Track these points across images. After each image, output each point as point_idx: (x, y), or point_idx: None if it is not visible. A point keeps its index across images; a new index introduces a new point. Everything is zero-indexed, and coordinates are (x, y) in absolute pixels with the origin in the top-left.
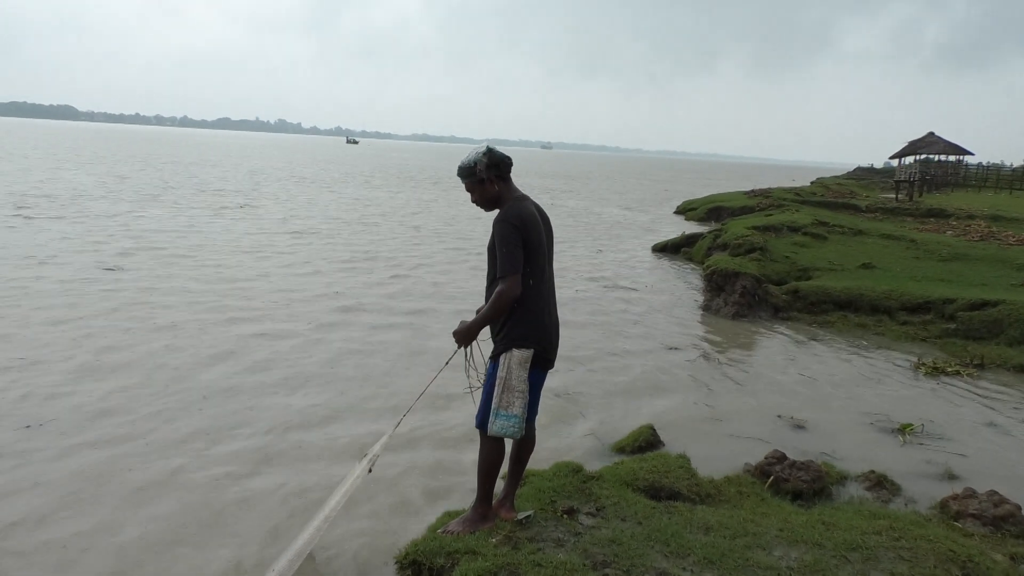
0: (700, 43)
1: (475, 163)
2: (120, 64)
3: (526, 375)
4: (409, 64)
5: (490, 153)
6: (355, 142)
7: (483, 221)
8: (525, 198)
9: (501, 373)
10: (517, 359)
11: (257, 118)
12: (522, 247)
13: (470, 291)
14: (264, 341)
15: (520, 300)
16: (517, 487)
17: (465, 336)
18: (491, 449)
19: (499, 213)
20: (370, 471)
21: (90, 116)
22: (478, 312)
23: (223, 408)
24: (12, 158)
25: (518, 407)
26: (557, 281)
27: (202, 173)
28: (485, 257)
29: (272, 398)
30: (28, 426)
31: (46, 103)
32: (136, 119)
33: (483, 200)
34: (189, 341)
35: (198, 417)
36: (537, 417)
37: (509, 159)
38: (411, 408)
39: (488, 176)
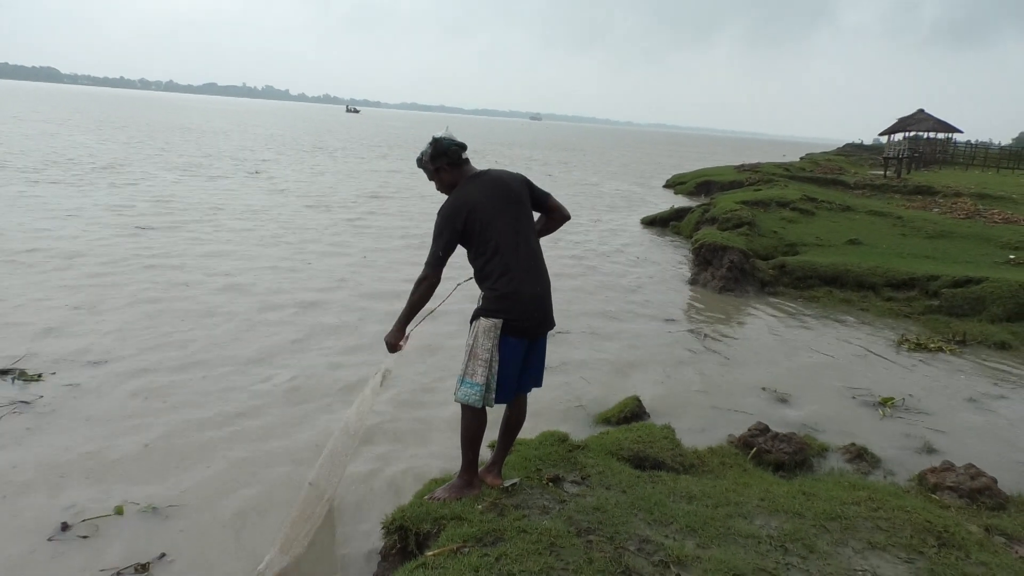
0: (698, 15)
1: (423, 155)
2: (104, 26)
3: (491, 344)
4: (402, 32)
5: (435, 143)
6: (356, 111)
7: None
8: (476, 177)
9: (468, 341)
10: (483, 328)
11: (244, 84)
12: (452, 238)
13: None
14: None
15: (484, 272)
16: (505, 455)
17: (392, 336)
18: (471, 417)
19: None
20: (381, 384)
21: (73, 79)
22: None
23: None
24: (23, 122)
25: (480, 376)
26: (548, 252)
27: (222, 141)
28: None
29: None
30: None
31: (29, 64)
32: (120, 83)
33: (443, 188)
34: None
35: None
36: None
37: (458, 146)
38: (422, 320)
39: (438, 165)
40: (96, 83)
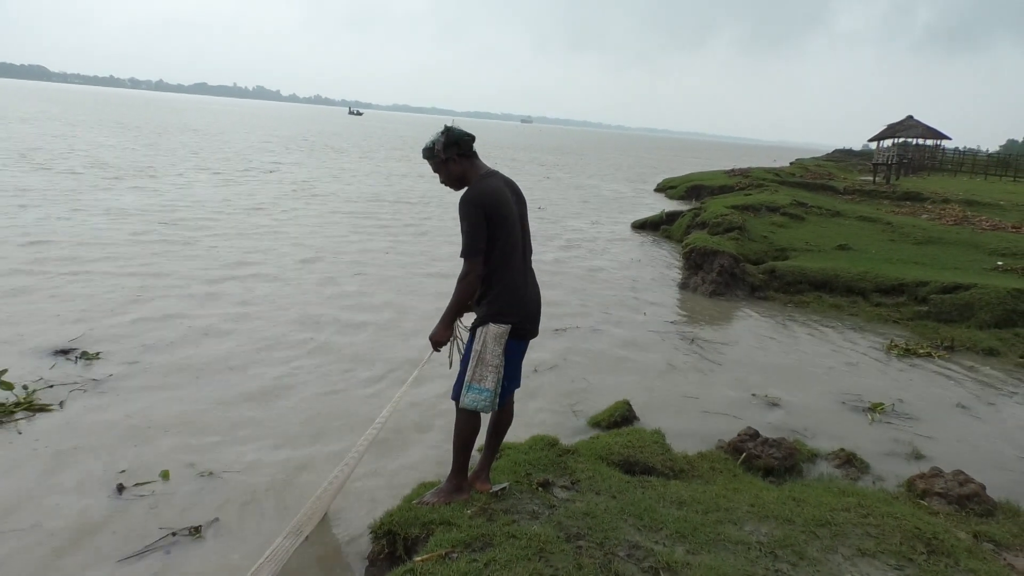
0: (692, 20)
1: (434, 143)
2: (94, 24)
3: (501, 350)
4: (396, 33)
5: (448, 132)
6: (359, 113)
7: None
8: (492, 174)
9: (476, 347)
10: (492, 334)
11: (235, 84)
12: (485, 227)
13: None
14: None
15: (494, 274)
16: (493, 460)
17: (439, 334)
18: (466, 421)
19: (463, 193)
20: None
21: (63, 77)
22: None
23: None
24: (36, 121)
25: (490, 382)
26: (539, 256)
27: (238, 144)
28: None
29: None
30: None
31: (17, 63)
32: (110, 81)
33: (449, 180)
34: None
35: None
36: (517, 390)
37: (470, 136)
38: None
39: (449, 155)
40: (86, 82)
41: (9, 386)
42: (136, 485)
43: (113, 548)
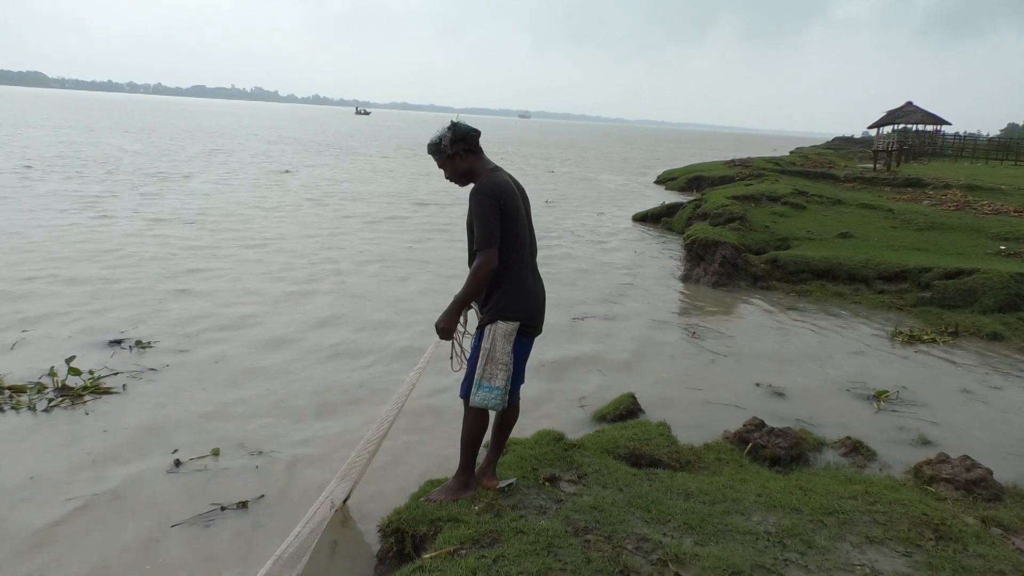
0: (691, 13)
1: (441, 139)
2: (91, 29)
3: (510, 348)
4: (393, 31)
5: (455, 127)
6: (366, 113)
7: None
8: (498, 169)
9: (485, 345)
10: (502, 331)
11: (233, 86)
12: (499, 218)
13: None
14: None
15: (504, 270)
16: (499, 456)
17: (447, 322)
18: (475, 419)
19: (474, 185)
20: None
21: (61, 83)
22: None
23: None
24: (53, 128)
25: (501, 379)
26: (539, 250)
27: (257, 146)
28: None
29: None
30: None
31: (15, 69)
32: (109, 86)
33: (455, 176)
34: None
35: None
36: (523, 386)
37: (476, 131)
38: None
39: (455, 151)
40: (84, 87)
41: (77, 372)
42: (192, 459)
43: (168, 516)
